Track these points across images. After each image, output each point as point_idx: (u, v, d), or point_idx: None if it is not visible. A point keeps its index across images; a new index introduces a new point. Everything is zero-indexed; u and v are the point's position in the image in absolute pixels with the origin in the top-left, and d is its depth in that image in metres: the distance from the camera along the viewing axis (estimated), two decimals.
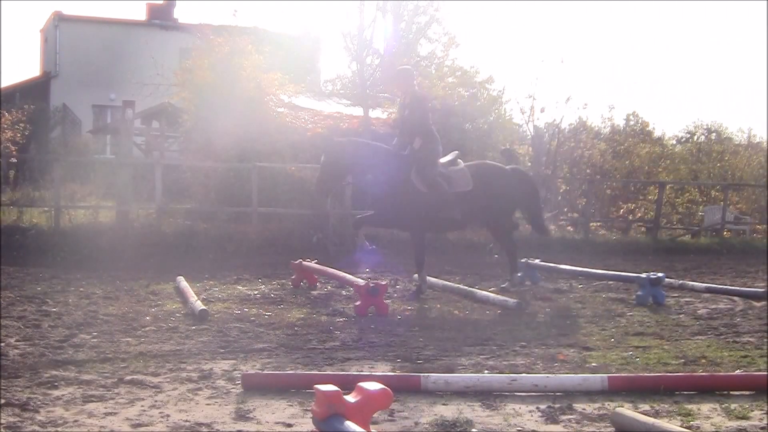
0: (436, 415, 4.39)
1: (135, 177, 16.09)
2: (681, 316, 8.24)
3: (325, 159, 8.98)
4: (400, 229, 9.82)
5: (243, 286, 9.89)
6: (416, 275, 9.36)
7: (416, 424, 4.26)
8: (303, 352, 6.05)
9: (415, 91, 9.25)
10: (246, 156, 15.74)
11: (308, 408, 4.28)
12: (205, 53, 17.73)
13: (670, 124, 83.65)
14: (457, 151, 9.63)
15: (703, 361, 5.95)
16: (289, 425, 4.21)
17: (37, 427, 4.07)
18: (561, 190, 20.92)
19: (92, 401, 4.56)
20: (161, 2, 35.39)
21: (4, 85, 32.29)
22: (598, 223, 19.25)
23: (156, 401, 4.60)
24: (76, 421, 4.19)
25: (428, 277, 10.24)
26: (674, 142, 28.50)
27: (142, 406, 4.50)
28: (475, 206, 9.19)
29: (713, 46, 70.99)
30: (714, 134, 29.17)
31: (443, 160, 9.20)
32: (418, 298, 8.94)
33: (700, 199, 22.86)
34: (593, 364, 5.77)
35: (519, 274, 10.62)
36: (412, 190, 8.88)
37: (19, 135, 18.13)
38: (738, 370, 5.59)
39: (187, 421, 4.23)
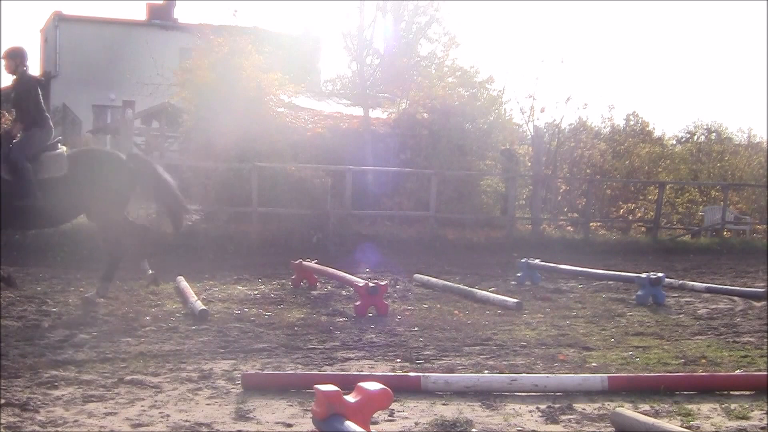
0: (436, 415, 4.39)
1: None
2: (681, 316, 8.24)
3: None
4: None
5: (243, 286, 9.89)
6: None
7: (416, 424, 4.26)
8: (303, 352, 6.05)
9: (24, 73, 8.25)
10: (246, 156, 15.74)
11: (308, 408, 4.28)
12: (205, 53, 17.73)
13: (670, 124, 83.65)
14: (60, 137, 8.62)
15: (703, 361, 5.95)
16: (289, 425, 4.21)
17: (37, 427, 4.07)
18: (561, 190, 20.93)
19: (92, 401, 4.56)
20: (161, 2, 35.39)
21: (4, 85, 32.28)
22: (598, 223, 19.25)
23: (156, 401, 4.60)
24: (76, 421, 4.19)
25: (429, 278, 10.26)
26: (674, 142, 28.49)
27: (142, 406, 4.50)
28: (71, 195, 8.04)
29: (713, 46, 71.02)
30: (714, 134, 29.15)
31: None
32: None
33: (700, 199, 22.86)
34: (593, 364, 5.77)
35: (519, 274, 10.65)
36: None
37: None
38: (738, 370, 5.59)
39: (187, 421, 4.23)
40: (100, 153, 9.16)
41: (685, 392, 4.94)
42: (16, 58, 8.25)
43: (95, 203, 8.26)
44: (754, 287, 10.27)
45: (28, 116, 8.15)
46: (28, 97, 8.18)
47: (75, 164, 8.13)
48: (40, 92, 8.37)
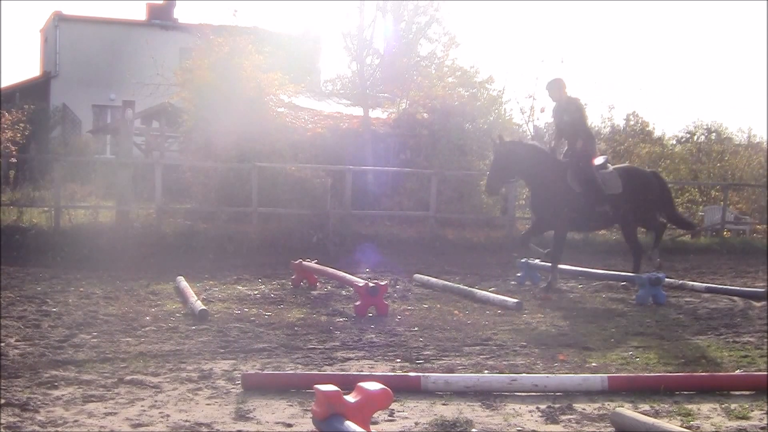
0: (436, 415, 4.39)
1: (135, 177, 16.09)
2: (681, 316, 8.24)
3: (495, 159, 9.77)
4: (552, 229, 10.16)
5: (243, 286, 9.89)
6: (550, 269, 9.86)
7: (416, 424, 4.26)
8: (303, 352, 6.05)
9: (570, 97, 9.88)
10: (246, 156, 15.74)
11: (308, 408, 4.28)
12: (205, 53, 17.72)
13: (670, 124, 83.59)
14: (606, 156, 10.48)
15: (703, 361, 5.95)
16: (289, 425, 4.21)
17: (37, 427, 4.07)
18: None
19: (92, 401, 4.56)
20: (161, 2, 35.38)
21: (4, 85, 32.30)
22: None
23: (156, 401, 4.60)
24: (76, 421, 4.19)
25: (429, 278, 10.26)
26: (674, 142, 28.46)
27: (142, 406, 4.50)
28: (625, 206, 9.86)
29: (713, 46, 71.03)
30: (714, 134, 29.13)
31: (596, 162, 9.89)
32: (548, 291, 9.46)
33: (700, 199, 22.83)
34: (593, 364, 5.77)
35: (519, 274, 10.65)
36: (569, 193, 9.53)
37: (19, 135, 18.09)
38: (738, 370, 5.59)
39: (187, 421, 4.23)
40: (638, 172, 10.60)
41: (685, 392, 4.94)
42: (559, 87, 9.87)
43: (641, 213, 10.14)
44: (754, 287, 10.26)
45: (582, 135, 9.76)
46: (582, 118, 9.97)
47: (625, 181, 9.83)
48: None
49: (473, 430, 4.17)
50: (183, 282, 9.14)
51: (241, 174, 15.67)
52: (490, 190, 10.46)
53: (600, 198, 9.61)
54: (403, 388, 4.77)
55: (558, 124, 10.09)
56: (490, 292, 9.16)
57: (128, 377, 5.12)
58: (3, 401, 4.44)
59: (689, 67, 67.26)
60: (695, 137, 28.89)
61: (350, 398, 3.59)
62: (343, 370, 5.49)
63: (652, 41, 68.03)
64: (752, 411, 4.57)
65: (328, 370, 5.44)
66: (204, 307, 7.58)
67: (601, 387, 4.92)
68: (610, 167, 10.02)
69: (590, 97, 43.42)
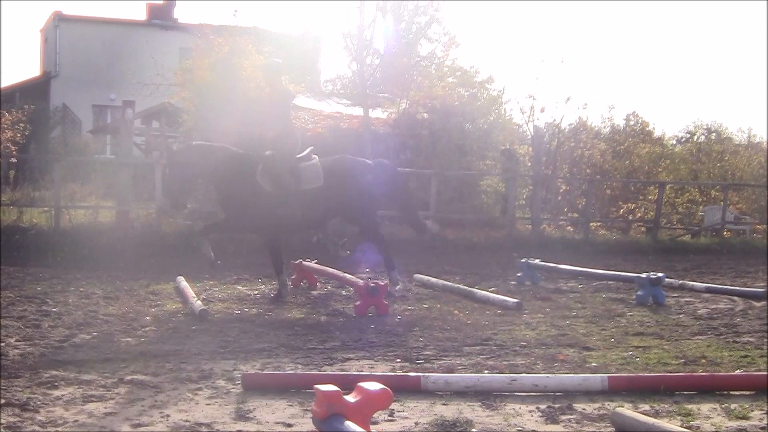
0: (436, 415, 4.39)
1: (135, 177, 16.07)
2: (681, 316, 8.24)
3: (172, 169, 8.59)
4: (254, 233, 9.31)
5: (243, 286, 9.89)
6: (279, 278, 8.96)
7: (416, 424, 4.26)
8: (303, 352, 6.05)
9: (285, 88, 9.07)
10: None
11: (308, 408, 4.28)
12: (205, 53, 17.71)
13: (670, 124, 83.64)
14: (311, 146, 9.13)
15: (703, 361, 5.95)
16: (289, 425, 4.21)
17: (37, 427, 4.07)
18: (561, 190, 20.92)
19: (92, 401, 4.56)
20: (161, 2, 35.38)
21: (4, 85, 32.30)
22: (598, 223, 19.24)
23: (156, 401, 4.60)
24: (76, 421, 4.19)
25: (429, 278, 10.25)
26: (674, 142, 28.44)
27: (142, 406, 4.50)
28: (331, 202, 8.75)
29: (713, 46, 71.02)
30: (714, 134, 29.10)
31: (300, 155, 8.80)
32: (277, 302, 8.59)
33: (700, 199, 22.83)
34: (593, 364, 5.77)
35: (519, 274, 10.65)
36: (258, 191, 8.51)
37: (19, 135, 18.10)
38: (738, 370, 5.59)
39: (187, 421, 4.23)
40: (353, 162, 9.24)
41: (685, 392, 4.94)
42: (275, 73, 8.86)
43: (354, 209, 8.97)
44: (754, 287, 10.26)
45: (279, 128, 8.70)
46: (283, 110, 8.86)
47: (331, 174, 8.74)
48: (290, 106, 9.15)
49: (473, 430, 4.17)
50: (183, 282, 9.14)
51: None
52: (174, 207, 9.02)
53: (291, 194, 8.50)
54: (403, 388, 4.77)
55: (265, 114, 9.18)
56: (490, 292, 9.16)
57: (128, 377, 5.12)
58: (3, 401, 4.44)
59: (689, 67, 67.28)
60: (695, 137, 28.88)
61: (350, 398, 3.59)
62: (343, 370, 5.49)
63: (652, 41, 68.04)
64: (752, 411, 4.57)
65: (328, 370, 5.44)
66: (204, 307, 7.58)
67: (601, 387, 4.92)
68: (316, 158, 8.87)
69: (590, 97, 43.48)
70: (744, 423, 4.37)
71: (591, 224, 18.25)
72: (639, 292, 9.00)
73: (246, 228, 9.30)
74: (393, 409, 4.41)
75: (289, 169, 8.54)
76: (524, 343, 6.53)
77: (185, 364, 5.56)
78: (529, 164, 19.73)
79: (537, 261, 10.77)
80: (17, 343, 6.13)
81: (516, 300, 8.40)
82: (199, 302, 7.77)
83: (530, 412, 4.53)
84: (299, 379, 4.99)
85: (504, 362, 5.79)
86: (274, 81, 8.88)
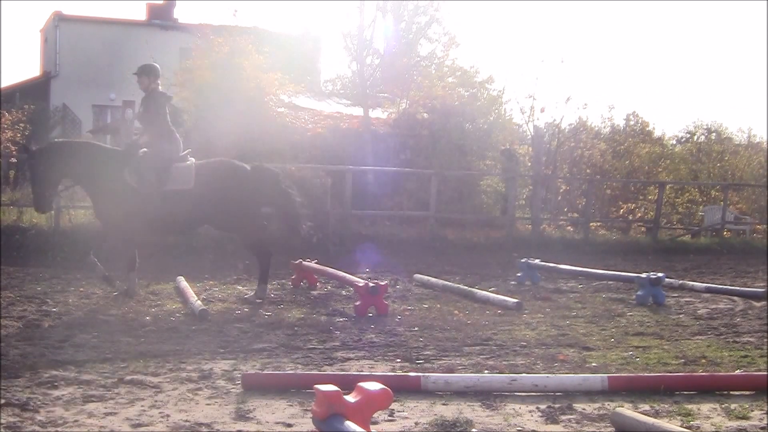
0: (436, 415, 4.39)
1: None
2: (681, 316, 8.24)
3: (33, 170, 8.34)
4: (119, 231, 8.81)
5: (243, 286, 9.89)
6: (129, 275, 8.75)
7: (416, 424, 4.26)
8: (303, 352, 6.05)
9: (159, 90, 8.98)
10: (246, 156, 15.70)
11: (308, 408, 4.28)
12: (205, 53, 17.73)
13: (670, 124, 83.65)
14: (189, 149, 9.12)
15: (703, 361, 5.95)
16: (289, 425, 4.21)
17: (37, 427, 4.07)
18: (561, 190, 20.93)
19: (92, 401, 4.56)
20: (161, 2, 35.38)
21: (4, 85, 32.31)
22: (598, 223, 19.24)
23: (156, 401, 4.60)
24: (76, 421, 4.19)
25: (429, 278, 10.25)
26: (674, 142, 28.47)
27: (142, 406, 4.50)
28: (201, 206, 8.55)
29: (713, 46, 71.03)
30: (714, 134, 29.12)
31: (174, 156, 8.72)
32: (129, 295, 8.46)
33: (700, 199, 22.84)
34: (593, 364, 5.77)
35: (519, 274, 10.65)
36: (125, 187, 8.39)
37: (19, 135, 18.10)
38: (738, 370, 5.59)
39: (187, 421, 4.23)
40: (228, 166, 9.08)
41: (685, 392, 4.94)
42: (150, 75, 8.86)
43: (228, 214, 8.72)
44: (754, 287, 10.27)
45: (154, 130, 8.77)
46: (157, 112, 8.81)
47: (204, 177, 8.60)
48: (167, 109, 9.05)
49: (473, 430, 4.17)
50: (183, 282, 9.14)
51: None
52: (40, 208, 8.77)
53: (156, 193, 8.35)
54: (403, 388, 4.77)
55: (140, 114, 9.11)
56: (490, 292, 9.16)
57: (128, 377, 5.12)
58: (3, 401, 4.44)
59: (689, 67, 67.28)
60: (695, 137, 28.90)
61: (350, 398, 3.59)
62: (343, 370, 5.49)
63: (652, 41, 68.04)
64: (752, 411, 4.57)
65: (328, 370, 5.44)
66: (204, 307, 7.58)
67: (601, 387, 4.92)
68: (192, 160, 8.78)
69: (590, 97, 43.47)
70: (744, 423, 4.37)
71: (591, 224, 18.25)
72: (639, 292, 9.01)
73: (117, 228, 8.78)
74: (393, 409, 4.41)
75: (156, 168, 8.45)
76: (524, 343, 6.53)
77: (185, 364, 5.56)
78: (529, 164, 19.74)
79: (537, 261, 10.77)
80: (17, 343, 6.13)
81: (516, 300, 8.40)
82: (199, 302, 7.77)
83: (530, 412, 4.53)
84: (299, 379, 4.99)
85: (504, 362, 5.79)
86: (149, 84, 8.87)
